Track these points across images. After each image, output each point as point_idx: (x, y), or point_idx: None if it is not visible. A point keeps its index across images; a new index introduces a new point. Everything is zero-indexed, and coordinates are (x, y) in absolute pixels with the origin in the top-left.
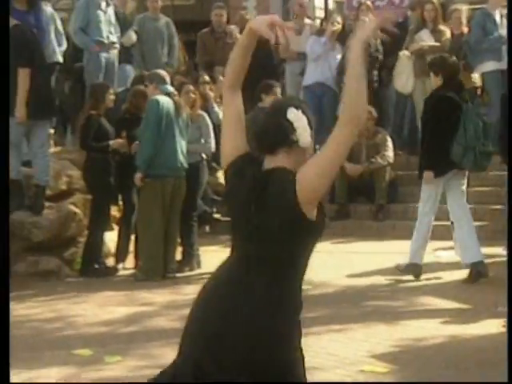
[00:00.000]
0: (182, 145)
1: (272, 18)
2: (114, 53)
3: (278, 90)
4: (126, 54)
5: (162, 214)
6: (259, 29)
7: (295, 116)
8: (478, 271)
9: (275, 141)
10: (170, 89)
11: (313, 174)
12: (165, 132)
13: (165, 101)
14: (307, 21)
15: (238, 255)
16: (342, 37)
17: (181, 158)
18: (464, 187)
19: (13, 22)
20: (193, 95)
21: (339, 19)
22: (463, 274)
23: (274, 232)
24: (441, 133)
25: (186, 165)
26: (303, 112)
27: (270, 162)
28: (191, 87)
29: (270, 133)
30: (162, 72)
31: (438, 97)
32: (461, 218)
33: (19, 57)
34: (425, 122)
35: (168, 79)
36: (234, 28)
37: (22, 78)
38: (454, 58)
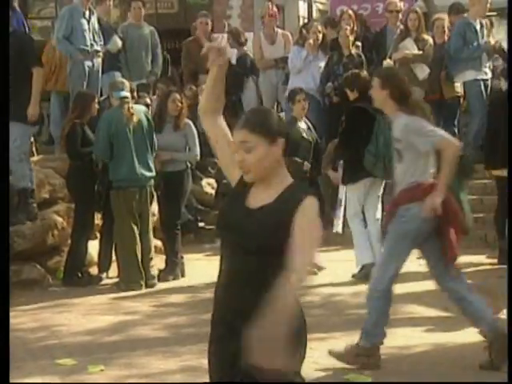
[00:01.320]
0: (140, 155)
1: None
2: (98, 61)
3: (303, 97)
4: (114, 61)
5: (131, 224)
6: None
7: None
8: (367, 273)
9: None
10: (123, 94)
11: None
12: (118, 146)
13: (114, 116)
14: (278, 30)
15: None
16: (325, 45)
17: (139, 169)
18: (379, 194)
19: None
20: (179, 104)
21: (320, 28)
22: None
23: None
24: (354, 141)
25: (150, 174)
26: None
27: None
28: (177, 95)
29: None
30: (117, 80)
31: (353, 108)
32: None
33: (29, 58)
34: (341, 132)
35: (124, 85)
36: (218, 36)
37: (37, 77)
38: (366, 73)
